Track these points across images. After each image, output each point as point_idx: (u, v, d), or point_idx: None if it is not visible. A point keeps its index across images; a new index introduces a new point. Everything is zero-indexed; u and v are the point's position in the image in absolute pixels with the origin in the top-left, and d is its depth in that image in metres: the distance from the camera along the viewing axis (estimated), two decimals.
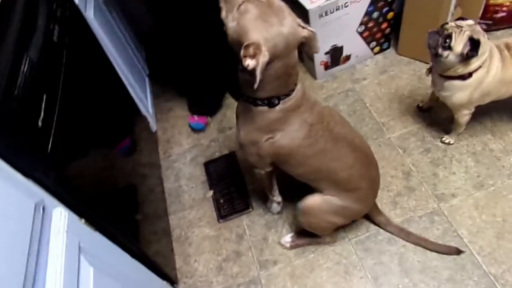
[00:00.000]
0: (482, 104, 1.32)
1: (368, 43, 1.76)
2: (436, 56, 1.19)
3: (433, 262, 1.20)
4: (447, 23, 1.18)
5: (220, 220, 1.44)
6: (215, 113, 1.81)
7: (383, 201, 1.34)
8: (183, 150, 1.70)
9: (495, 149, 1.40)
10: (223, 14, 0.88)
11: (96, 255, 0.73)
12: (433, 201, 1.32)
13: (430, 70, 1.32)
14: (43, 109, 0.69)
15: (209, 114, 1.79)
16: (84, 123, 0.95)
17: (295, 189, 1.18)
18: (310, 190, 1.13)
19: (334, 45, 1.69)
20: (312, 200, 1.12)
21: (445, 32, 1.14)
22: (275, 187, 1.32)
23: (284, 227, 1.37)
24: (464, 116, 1.34)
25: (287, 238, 1.32)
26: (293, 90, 0.95)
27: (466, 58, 1.14)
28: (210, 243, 1.40)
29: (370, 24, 1.68)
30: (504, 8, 1.65)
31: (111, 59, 1.36)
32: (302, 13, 1.56)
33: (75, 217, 0.73)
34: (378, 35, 1.75)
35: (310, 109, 0.99)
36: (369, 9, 1.62)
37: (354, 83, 1.74)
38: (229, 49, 1.63)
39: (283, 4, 0.85)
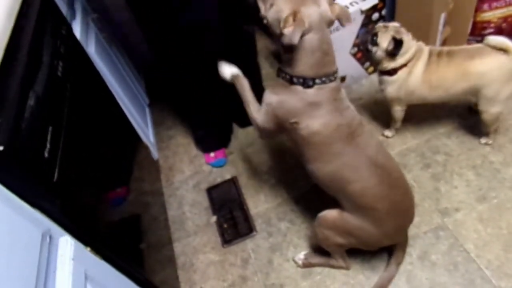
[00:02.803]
0: (413, 104, 1.44)
1: (362, 64, 1.80)
2: (367, 51, 1.36)
3: (441, 278, 1.19)
4: (376, 23, 1.39)
5: (225, 245, 1.43)
6: (230, 141, 1.78)
7: None
8: (185, 177, 1.72)
9: (495, 161, 1.41)
10: (262, 10, 0.99)
11: (102, 284, 0.73)
12: (437, 216, 1.32)
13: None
14: (49, 140, 0.72)
15: (225, 145, 1.76)
16: (88, 152, 0.97)
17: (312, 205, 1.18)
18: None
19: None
20: (329, 213, 1.12)
21: (374, 31, 1.33)
22: None
23: (289, 249, 1.37)
24: (396, 111, 1.47)
25: (301, 256, 1.31)
26: (329, 76, 0.98)
27: (390, 54, 1.29)
28: (215, 269, 1.38)
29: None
30: (492, 25, 1.70)
31: (112, 90, 1.40)
32: None
33: (81, 245, 0.73)
34: None
35: (342, 111, 1.02)
36: (360, 31, 1.67)
37: (351, 102, 1.77)
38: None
39: None
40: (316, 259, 1.29)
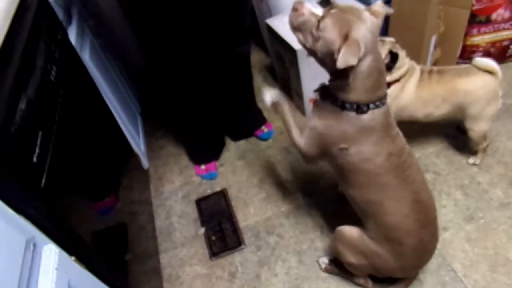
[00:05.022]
0: (402, 122, 1.38)
1: None
2: None
3: None
4: None
5: (212, 258, 1.41)
6: (221, 154, 1.77)
7: None
8: (174, 188, 1.70)
9: (482, 182, 1.43)
10: (301, 40, 0.92)
11: None
12: None
13: None
14: (38, 145, 0.70)
15: (216, 158, 1.75)
16: (78, 159, 0.95)
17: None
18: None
19: (323, 83, 1.75)
20: (348, 231, 1.09)
21: None
22: None
23: (277, 264, 1.35)
24: None
25: (325, 259, 1.28)
26: (382, 99, 0.92)
27: (386, 67, 1.27)
28: (202, 282, 1.36)
29: None
30: (481, 49, 1.76)
31: (105, 97, 1.39)
32: (291, 53, 1.64)
33: (65, 255, 0.71)
34: None
35: (393, 138, 0.96)
36: None
37: None
38: (223, 89, 1.66)
39: (351, 4, 0.88)
40: (338, 270, 1.24)
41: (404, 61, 1.33)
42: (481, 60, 1.28)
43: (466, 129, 1.38)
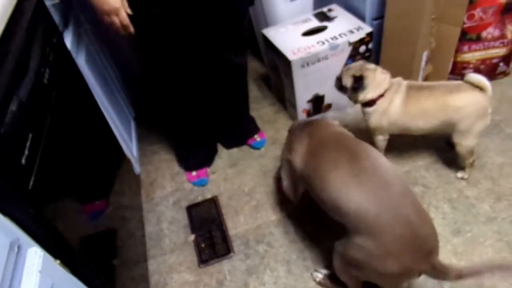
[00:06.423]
0: (395, 134, 1.49)
1: None
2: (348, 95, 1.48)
3: None
4: (363, 55, 1.59)
5: (201, 265, 1.41)
6: (213, 161, 1.78)
7: None
8: (165, 194, 1.69)
9: (470, 196, 1.45)
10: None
11: None
12: None
13: None
14: (27, 147, 0.70)
15: (208, 164, 1.75)
16: (68, 162, 0.95)
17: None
18: None
19: (316, 93, 1.77)
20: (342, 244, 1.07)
21: (339, 75, 1.45)
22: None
23: (265, 272, 1.35)
24: (379, 141, 1.52)
25: (320, 274, 1.28)
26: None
27: (355, 89, 1.39)
28: None
29: None
30: (471, 65, 1.79)
31: (99, 101, 1.39)
32: (285, 63, 1.66)
33: (50, 258, 0.71)
34: None
35: (311, 130, 1.18)
36: (348, 62, 1.73)
37: None
38: (218, 97, 1.68)
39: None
40: (334, 285, 1.23)
41: (380, 77, 1.37)
42: (473, 76, 1.31)
43: (454, 143, 1.41)
